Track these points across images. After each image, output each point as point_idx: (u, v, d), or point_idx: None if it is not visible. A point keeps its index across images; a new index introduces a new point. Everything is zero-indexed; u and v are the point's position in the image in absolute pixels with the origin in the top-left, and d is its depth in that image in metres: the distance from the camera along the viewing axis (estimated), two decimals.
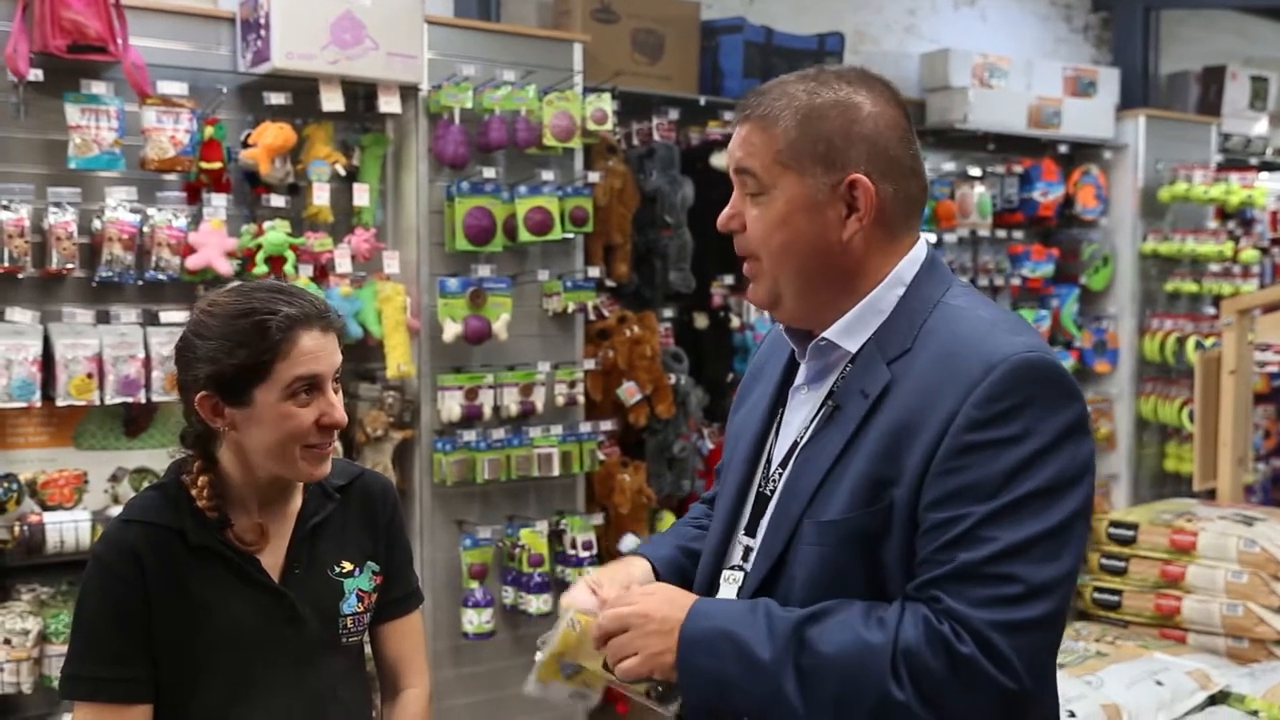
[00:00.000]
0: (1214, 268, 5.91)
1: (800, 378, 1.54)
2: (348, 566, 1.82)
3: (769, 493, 1.51)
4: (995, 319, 1.43)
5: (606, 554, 3.96)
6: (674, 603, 1.43)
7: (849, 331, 1.46)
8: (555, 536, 3.98)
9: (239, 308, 1.68)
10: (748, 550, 1.51)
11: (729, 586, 1.51)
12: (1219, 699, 2.90)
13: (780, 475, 1.49)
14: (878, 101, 1.45)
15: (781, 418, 1.56)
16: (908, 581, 1.36)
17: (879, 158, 1.43)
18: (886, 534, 1.37)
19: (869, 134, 1.43)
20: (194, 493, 1.73)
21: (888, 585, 1.38)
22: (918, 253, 1.49)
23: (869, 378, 1.42)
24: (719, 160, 4.47)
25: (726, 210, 1.50)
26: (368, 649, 1.94)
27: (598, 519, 4.10)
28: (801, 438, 1.48)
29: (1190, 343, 5.58)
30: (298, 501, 1.81)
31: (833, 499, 1.40)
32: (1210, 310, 5.98)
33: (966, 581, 1.30)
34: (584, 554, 3.92)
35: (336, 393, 1.74)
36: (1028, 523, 1.30)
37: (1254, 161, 6.37)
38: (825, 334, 1.47)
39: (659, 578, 1.64)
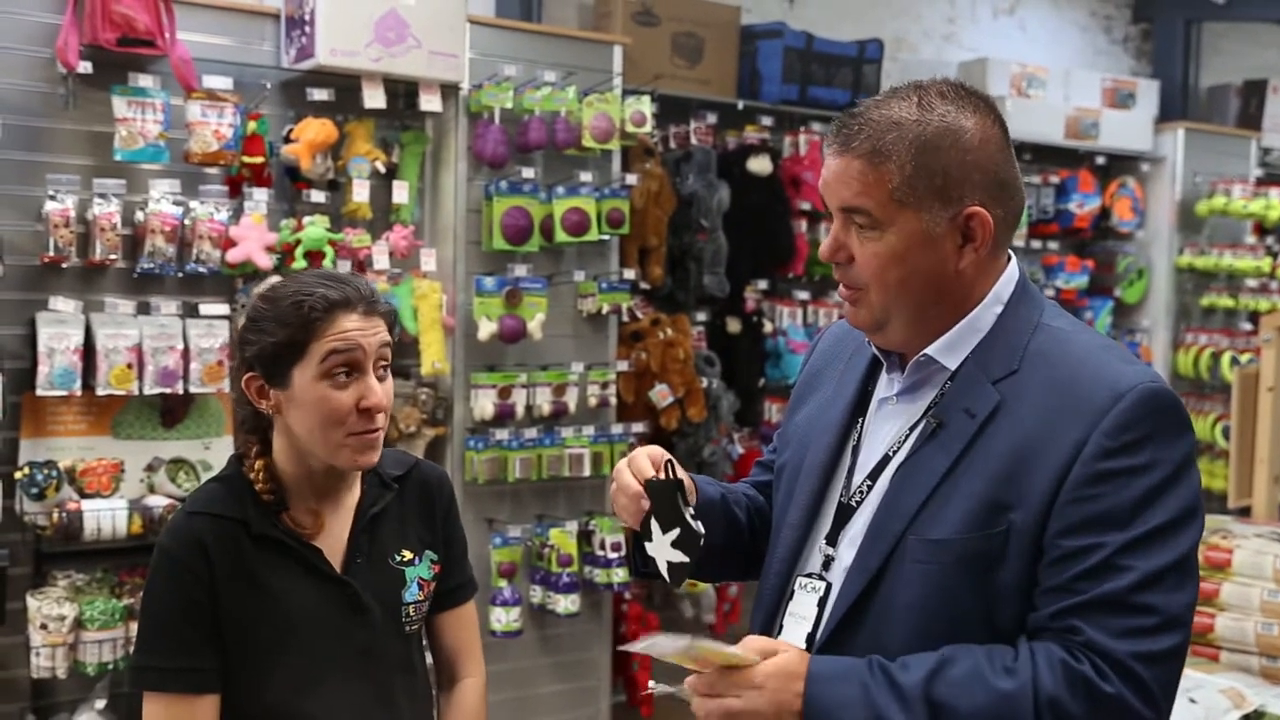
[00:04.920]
0: (1251, 283, 5.87)
1: (887, 389, 1.53)
2: (408, 555, 1.83)
3: (854, 504, 1.49)
4: (1104, 345, 1.44)
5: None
6: (786, 688, 1.34)
7: (950, 349, 1.45)
8: (584, 537, 3.98)
9: (284, 290, 1.72)
10: (829, 560, 1.50)
11: (806, 594, 1.50)
12: (1253, 718, 2.87)
13: (868, 487, 1.48)
14: (981, 121, 1.42)
15: (862, 427, 1.54)
16: (1020, 606, 1.35)
17: (991, 184, 1.42)
18: (1002, 558, 1.35)
19: (981, 161, 1.41)
20: (252, 476, 1.74)
21: (997, 608, 1.36)
22: (1012, 271, 1.50)
23: (973, 397, 1.41)
24: (756, 165, 4.47)
25: (829, 243, 1.45)
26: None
27: None
28: (893, 451, 1.47)
29: (1225, 358, 5.52)
30: (356, 493, 1.82)
31: (941, 518, 1.38)
32: (1246, 325, 5.92)
33: (1107, 611, 1.30)
34: (613, 555, 3.92)
35: (384, 380, 1.73)
36: (1159, 553, 1.31)
37: None
38: (927, 350, 1.46)
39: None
